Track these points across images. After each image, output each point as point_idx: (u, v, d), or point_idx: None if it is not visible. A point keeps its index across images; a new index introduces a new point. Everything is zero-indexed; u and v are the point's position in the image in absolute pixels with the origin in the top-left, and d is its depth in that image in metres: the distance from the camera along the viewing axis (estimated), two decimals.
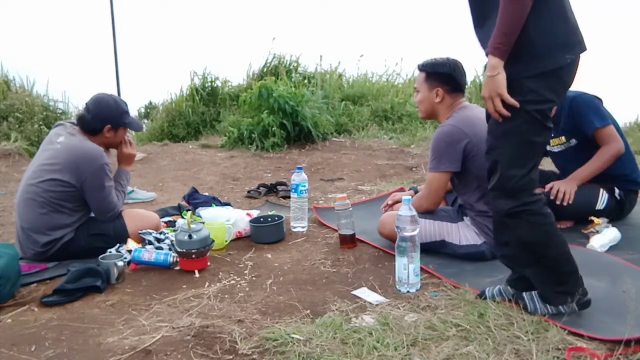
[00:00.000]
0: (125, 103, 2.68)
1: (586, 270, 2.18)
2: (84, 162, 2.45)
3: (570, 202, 2.68)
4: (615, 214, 2.80)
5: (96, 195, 2.50)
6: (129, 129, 2.73)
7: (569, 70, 1.70)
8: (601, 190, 2.78)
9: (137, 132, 2.82)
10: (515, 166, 1.72)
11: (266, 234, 2.79)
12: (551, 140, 2.91)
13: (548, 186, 2.74)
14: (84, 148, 2.49)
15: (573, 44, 1.70)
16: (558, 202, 2.68)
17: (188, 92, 7.69)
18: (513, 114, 1.68)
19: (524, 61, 1.65)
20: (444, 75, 2.40)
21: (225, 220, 2.74)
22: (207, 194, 3.58)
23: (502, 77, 1.64)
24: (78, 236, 2.49)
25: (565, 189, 2.69)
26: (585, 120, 2.72)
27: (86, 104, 2.61)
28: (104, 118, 2.57)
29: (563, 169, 2.93)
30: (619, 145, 2.71)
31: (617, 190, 2.80)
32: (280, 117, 5.70)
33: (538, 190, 2.17)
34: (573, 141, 2.83)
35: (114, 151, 2.77)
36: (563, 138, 2.85)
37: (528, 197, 1.74)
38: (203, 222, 2.61)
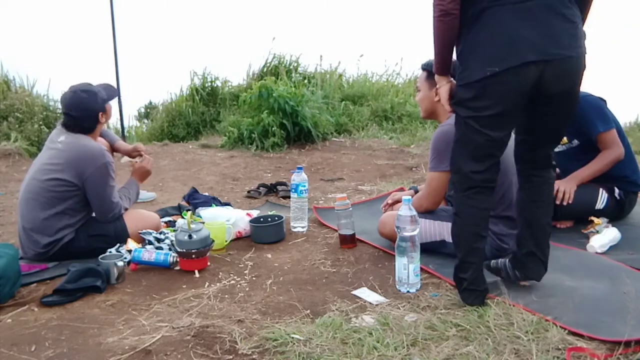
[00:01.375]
0: (89, 84, 2.62)
1: (586, 272, 2.19)
2: (85, 161, 2.45)
3: (570, 201, 2.68)
4: (615, 214, 2.80)
5: (98, 195, 2.49)
6: (113, 100, 2.67)
7: (500, 80, 1.75)
8: (601, 190, 2.78)
9: (113, 98, 2.71)
10: (457, 154, 1.93)
11: (266, 234, 2.79)
12: None
13: None
14: (85, 147, 2.49)
15: (499, 56, 1.74)
16: (558, 202, 2.68)
17: (188, 92, 7.68)
18: (454, 112, 1.96)
19: (457, 72, 1.90)
20: None
21: (225, 220, 2.74)
22: (207, 194, 3.58)
23: (443, 90, 1.97)
24: (78, 237, 2.49)
25: (565, 189, 2.70)
26: (589, 122, 2.72)
27: (66, 108, 2.53)
28: (92, 109, 2.53)
29: (564, 169, 2.93)
30: (619, 151, 2.74)
31: (617, 190, 2.81)
32: (280, 117, 5.70)
33: None
34: (575, 142, 2.83)
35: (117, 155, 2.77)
36: (565, 139, 2.85)
37: (457, 191, 1.95)
38: (203, 222, 2.61)
